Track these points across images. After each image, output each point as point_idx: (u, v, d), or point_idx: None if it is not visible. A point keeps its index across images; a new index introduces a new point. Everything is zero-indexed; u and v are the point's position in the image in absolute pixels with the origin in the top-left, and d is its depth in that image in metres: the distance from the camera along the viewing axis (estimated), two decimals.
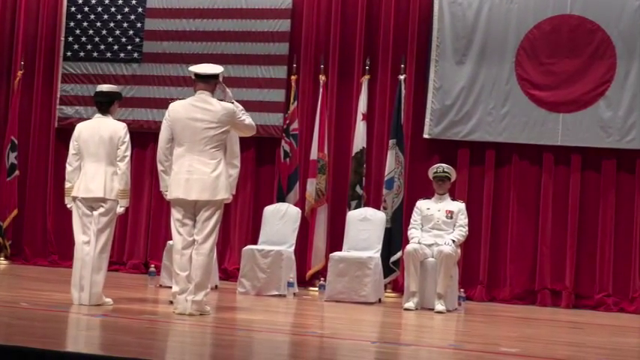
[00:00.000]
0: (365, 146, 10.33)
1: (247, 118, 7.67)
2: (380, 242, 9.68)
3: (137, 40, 11.51)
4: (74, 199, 7.77)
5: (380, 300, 9.48)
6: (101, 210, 7.69)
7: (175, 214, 7.50)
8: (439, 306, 8.76)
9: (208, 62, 8.10)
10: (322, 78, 10.58)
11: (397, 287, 10.07)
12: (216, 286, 9.65)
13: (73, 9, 11.75)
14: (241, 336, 6.66)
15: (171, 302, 7.67)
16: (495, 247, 10.39)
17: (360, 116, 10.39)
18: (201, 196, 7.40)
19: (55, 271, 10.82)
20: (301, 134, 10.64)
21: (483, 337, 7.34)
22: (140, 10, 11.52)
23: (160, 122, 7.87)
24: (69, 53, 11.71)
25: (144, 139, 11.15)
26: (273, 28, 11.03)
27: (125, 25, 11.56)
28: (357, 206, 10.08)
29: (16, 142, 11.54)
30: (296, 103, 10.55)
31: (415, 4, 10.67)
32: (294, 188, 10.36)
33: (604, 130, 10.08)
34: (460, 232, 9.18)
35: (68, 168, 7.88)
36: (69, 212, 7.90)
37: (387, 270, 9.78)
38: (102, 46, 11.60)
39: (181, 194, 7.42)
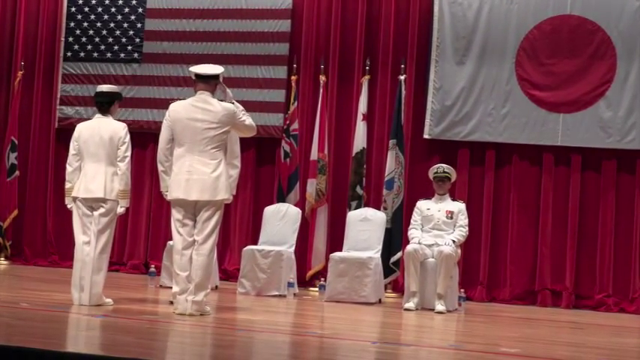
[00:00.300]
0: (365, 146, 10.33)
1: (248, 119, 7.67)
2: (380, 242, 9.68)
3: (137, 40, 11.51)
4: (74, 199, 7.77)
5: (380, 300, 9.48)
6: (101, 210, 7.69)
7: (175, 215, 7.50)
8: (439, 306, 8.76)
9: (208, 62, 8.10)
10: (322, 78, 10.59)
11: (397, 287, 10.08)
12: (216, 287, 9.65)
13: (73, 9, 11.75)
14: (241, 336, 6.66)
15: (171, 302, 7.67)
16: (495, 248, 10.39)
17: (360, 116, 10.39)
18: (202, 197, 7.39)
19: (55, 272, 10.82)
20: (301, 134, 10.64)
21: (483, 338, 7.34)
22: (140, 10, 11.52)
23: (160, 122, 7.87)
24: (69, 53, 11.72)
25: (144, 139, 11.15)
26: (274, 28, 11.03)
27: (125, 25, 11.57)
28: (358, 206, 10.08)
29: (16, 142, 11.54)
30: (296, 103, 10.55)
31: (415, 4, 10.68)
32: (295, 188, 10.36)
33: (604, 130, 10.08)
34: (460, 232, 9.18)
35: (68, 168, 7.88)
36: (69, 213, 7.90)
37: (387, 270, 9.78)
38: (102, 47, 11.61)
39: (181, 194, 7.42)
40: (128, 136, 7.82)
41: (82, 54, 11.68)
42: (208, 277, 7.54)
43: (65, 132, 10.59)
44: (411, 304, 8.84)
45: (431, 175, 9.47)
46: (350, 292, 9.28)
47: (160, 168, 7.66)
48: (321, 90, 10.55)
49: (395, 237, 9.90)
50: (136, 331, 6.55)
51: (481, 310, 9.42)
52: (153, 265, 10.35)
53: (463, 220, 9.24)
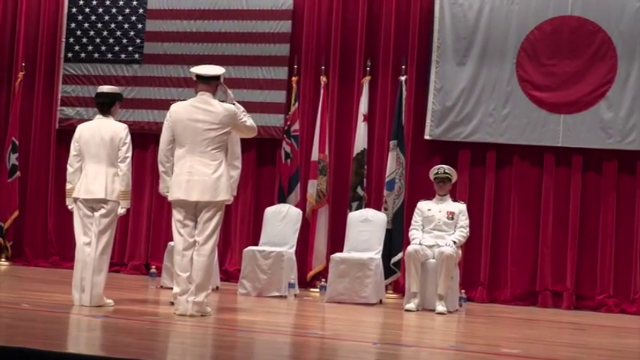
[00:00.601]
0: (366, 147, 10.33)
1: (248, 120, 7.67)
2: (381, 243, 9.68)
3: (138, 41, 11.51)
4: (75, 200, 7.77)
5: (381, 301, 9.48)
6: (102, 211, 7.69)
7: (176, 215, 7.50)
8: (440, 307, 8.76)
9: (209, 63, 8.11)
10: (323, 79, 10.59)
11: (398, 288, 10.08)
12: (217, 287, 9.65)
13: (74, 10, 11.75)
14: (242, 337, 6.66)
15: (172, 303, 7.67)
16: (496, 248, 10.39)
17: (360, 117, 10.39)
18: (202, 197, 7.39)
19: (55, 272, 10.82)
20: (302, 135, 10.64)
21: (484, 339, 7.34)
22: (141, 11, 11.52)
23: (161, 123, 7.88)
24: (70, 54, 11.72)
25: (145, 140, 11.15)
26: (274, 29, 11.03)
27: (126, 26, 11.57)
28: (358, 207, 10.08)
29: (17, 143, 11.54)
30: (297, 104, 10.55)
31: (416, 5, 10.67)
32: (295, 189, 10.36)
33: (605, 131, 10.08)
34: (461, 233, 9.18)
35: (69, 169, 7.88)
36: (70, 213, 7.90)
37: (388, 271, 9.77)
38: (103, 47, 11.61)
39: (182, 195, 7.42)
40: (129, 137, 7.83)
41: (82, 55, 11.68)
42: (209, 278, 7.53)
43: (66, 133, 10.59)
44: (411, 305, 8.84)
45: (431, 176, 9.47)
46: (351, 292, 9.28)
47: (161, 169, 7.66)
48: (321, 91, 10.55)
49: (395, 238, 9.90)
50: (136, 331, 6.56)
51: (482, 311, 9.42)
52: (154, 266, 10.35)
53: (464, 220, 9.24)
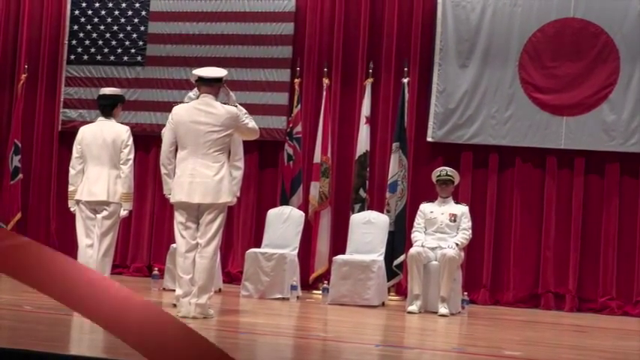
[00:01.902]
0: (368, 149, 10.33)
1: (251, 122, 7.67)
2: (383, 245, 9.68)
3: (140, 43, 11.52)
4: (77, 202, 7.77)
5: (383, 303, 9.48)
6: (104, 213, 7.70)
7: (178, 218, 7.50)
8: (442, 309, 8.76)
9: (212, 65, 8.11)
10: (326, 81, 10.59)
11: (400, 290, 10.07)
12: (219, 289, 9.65)
13: (76, 12, 11.77)
14: (245, 339, 6.66)
15: (174, 305, 7.66)
16: (499, 251, 10.38)
17: (363, 119, 10.39)
18: (205, 200, 7.39)
19: None
20: (304, 137, 10.65)
21: (487, 341, 7.34)
22: (144, 13, 11.53)
23: (163, 125, 7.88)
24: (72, 57, 11.73)
25: (147, 142, 11.15)
26: (277, 31, 11.04)
27: (129, 28, 11.58)
28: (361, 209, 10.09)
29: (19, 145, 11.55)
30: (299, 106, 10.56)
31: (418, 7, 10.68)
32: (298, 191, 10.36)
33: (607, 133, 10.07)
34: (464, 235, 9.18)
35: (71, 171, 7.89)
36: (72, 216, 7.90)
37: (391, 273, 9.77)
38: (105, 50, 11.62)
39: (184, 197, 7.42)
40: (131, 139, 7.83)
41: (85, 57, 11.69)
42: (211, 280, 7.53)
43: (68, 135, 10.60)
44: (414, 307, 8.83)
45: (434, 178, 9.46)
46: (353, 295, 9.27)
47: (163, 171, 7.65)
48: (324, 93, 10.56)
49: (398, 240, 9.90)
50: None
51: (484, 313, 9.42)
52: (156, 268, 10.35)
53: (466, 223, 9.24)
